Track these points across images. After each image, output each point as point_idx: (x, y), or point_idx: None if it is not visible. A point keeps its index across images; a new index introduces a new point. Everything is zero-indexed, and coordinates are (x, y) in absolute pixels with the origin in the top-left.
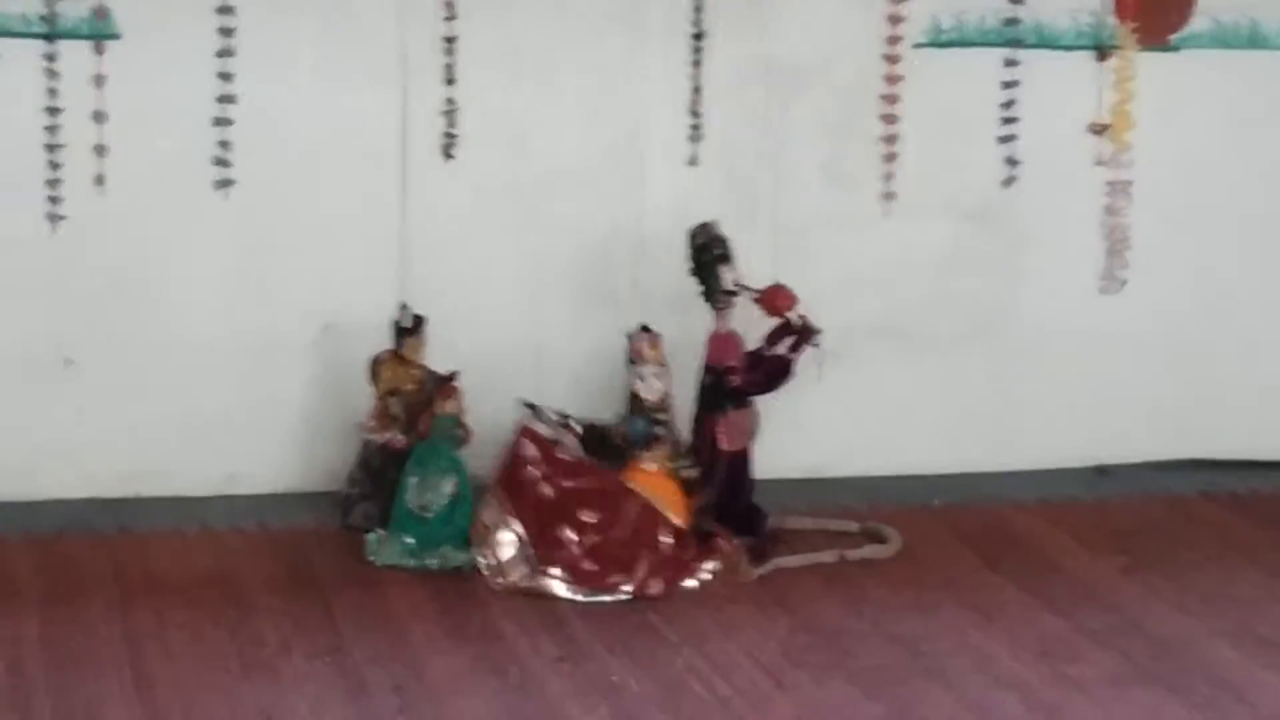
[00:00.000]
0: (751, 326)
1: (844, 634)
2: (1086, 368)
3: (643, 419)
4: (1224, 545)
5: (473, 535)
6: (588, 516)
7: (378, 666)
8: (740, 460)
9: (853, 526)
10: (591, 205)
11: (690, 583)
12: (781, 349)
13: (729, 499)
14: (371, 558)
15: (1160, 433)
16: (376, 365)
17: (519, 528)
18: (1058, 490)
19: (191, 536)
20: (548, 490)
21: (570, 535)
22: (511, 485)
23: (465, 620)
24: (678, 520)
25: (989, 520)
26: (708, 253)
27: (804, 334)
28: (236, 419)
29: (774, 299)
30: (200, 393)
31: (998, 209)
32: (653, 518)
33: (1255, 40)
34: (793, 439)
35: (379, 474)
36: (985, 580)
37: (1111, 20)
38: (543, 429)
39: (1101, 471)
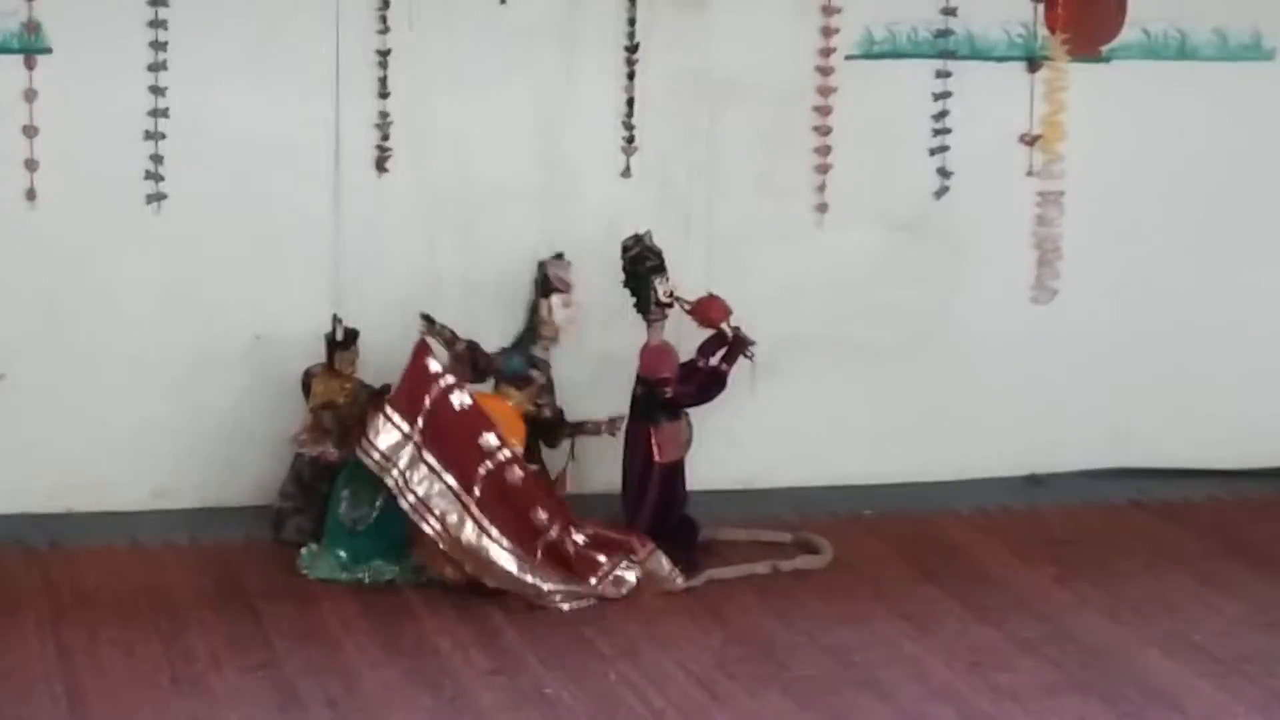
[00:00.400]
0: (685, 338)
1: (777, 645)
2: (1019, 377)
3: (520, 357)
4: (1156, 553)
5: (364, 450)
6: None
7: (310, 680)
8: (673, 472)
9: (786, 537)
10: (524, 217)
11: (598, 583)
12: (715, 360)
13: (662, 511)
14: (304, 571)
15: (1092, 441)
16: (309, 378)
17: (418, 439)
18: (990, 499)
19: (123, 551)
20: (452, 404)
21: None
22: (412, 402)
23: (398, 634)
24: (517, 448)
25: (922, 530)
26: (641, 264)
27: (737, 345)
28: (168, 433)
29: (707, 310)
30: (131, 406)
31: (930, 219)
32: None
33: (1184, 51)
34: (726, 450)
35: (311, 488)
36: (918, 590)
37: (1043, 32)
38: (434, 343)
39: (1034, 480)
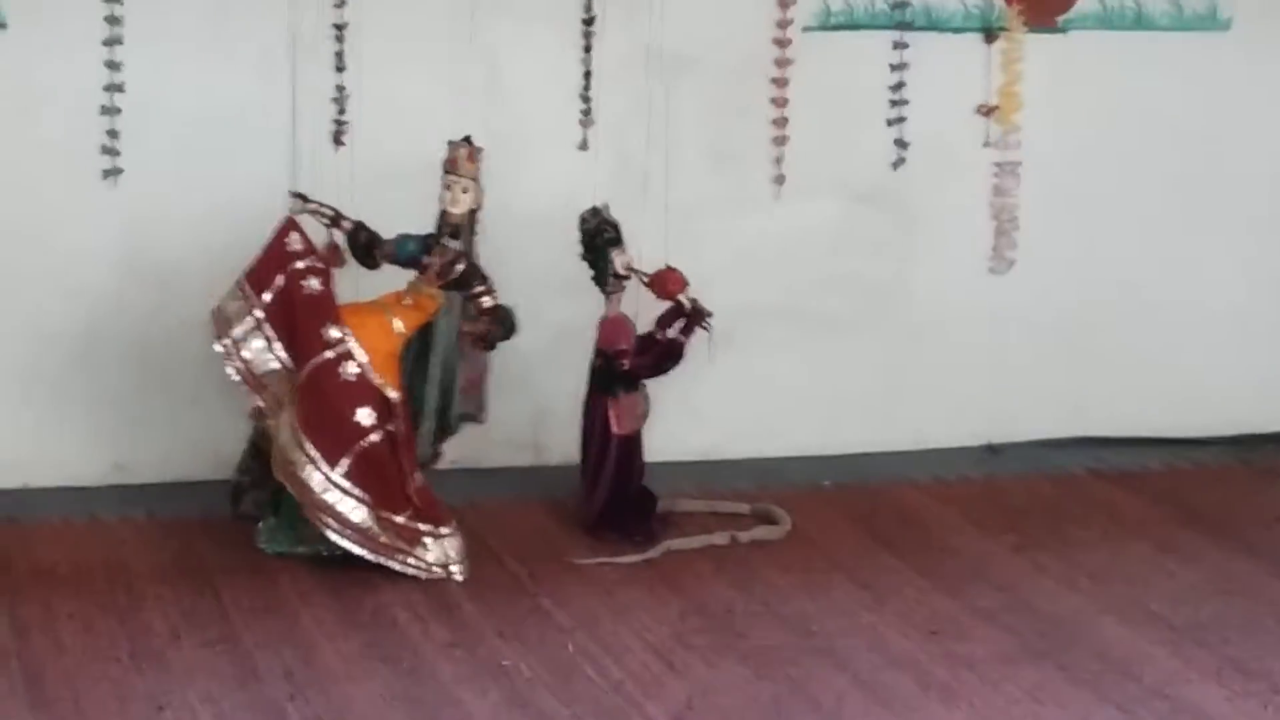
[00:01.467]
0: (642, 310)
1: (736, 615)
2: (976, 347)
3: (415, 240)
4: (1113, 522)
5: (214, 318)
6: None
7: (268, 653)
8: (631, 444)
9: (743, 508)
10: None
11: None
12: (672, 332)
13: (619, 483)
14: (261, 545)
15: (1050, 411)
16: None
17: (260, 313)
18: (948, 469)
19: (80, 526)
20: (315, 284)
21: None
22: (263, 277)
23: (356, 606)
24: (391, 393)
25: (880, 500)
26: (598, 236)
27: (695, 317)
28: (124, 407)
29: (664, 282)
30: (88, 380)
31: (887, 190)
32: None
33: (1141, 22)
34: (684, 422)
35: (268, 461)
36: (876, 560)
37: (999, 2)
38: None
39: (992, 450)
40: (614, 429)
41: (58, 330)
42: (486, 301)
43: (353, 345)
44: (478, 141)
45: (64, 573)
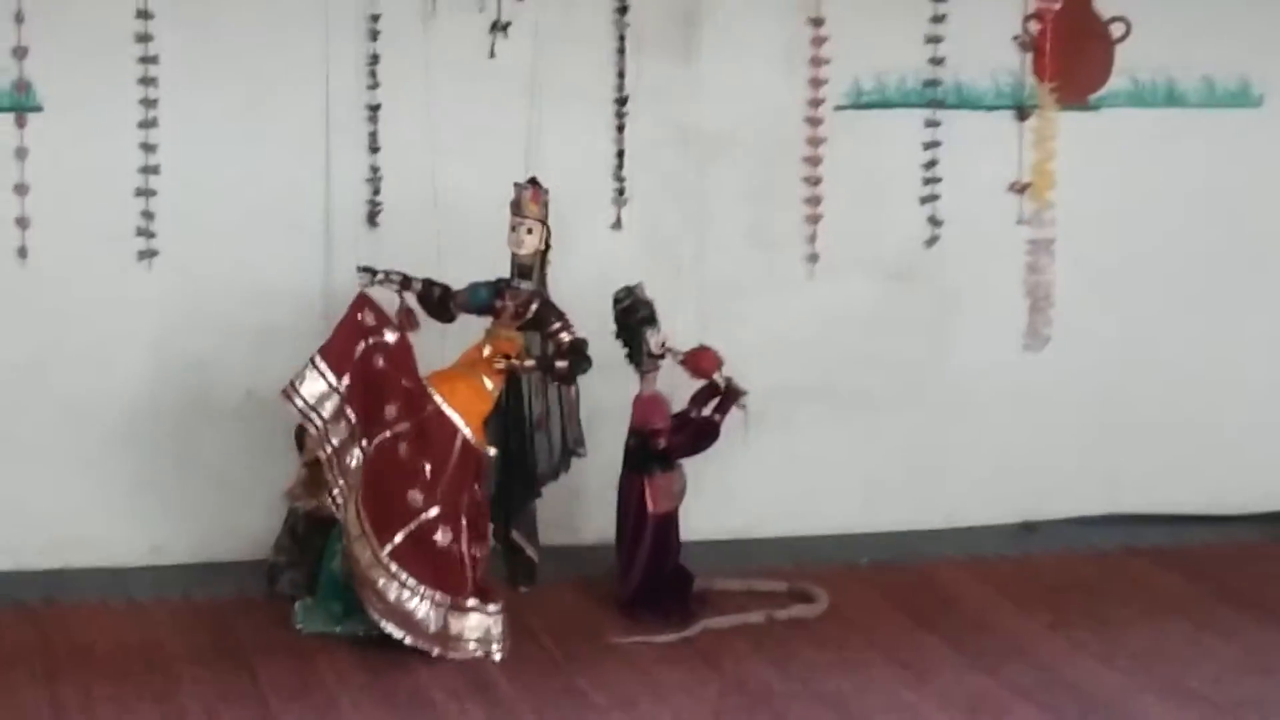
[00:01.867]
0: (677, 389)
1: (774, 694)
2: (1011, 425)
3: (487, 286)
4: (1150, 600)
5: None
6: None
7: None
8: (667, 522)
9: (780, 587)
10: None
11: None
12: (707, 411)
13: (656, 562)
14: (298, 626)
15: (1085, 488)
16: (302, 433)
17: (334, 379)
18: (984, 547)
19: (117, 608)
20: (379, 362)
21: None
22: (341, 356)
23: (394, 687)
24: (470, 433)
25: (916, 578)
26: (632, 315)
27: (730, 395)
28: (160, 488)
29: (699, 361)
30: (125, 462)
31: (921, 268)
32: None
33: (1172, 99)
34: (720, 500)
35: (305, 541)
36: (913, 638)
37: (1031, 80)
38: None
39: (1028, 528)
40: (650, 508)
41: (94, 412)
42: (564, 337)
43: (448, 411)
44: (534, 181)
45: (101, 654)
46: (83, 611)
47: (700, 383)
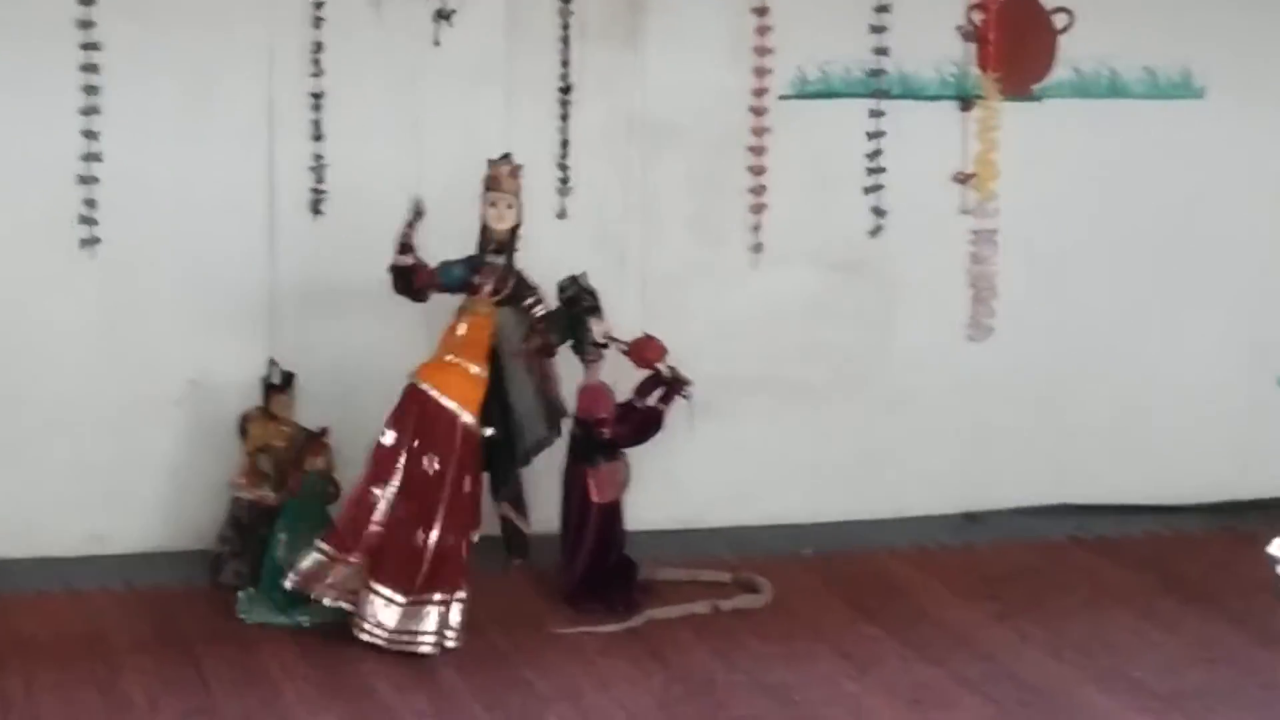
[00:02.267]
0: (621, 378)
1: (718, 685)
2: (955, 415)
3: (460, 264)
4: (1094, 590)
5: None
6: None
7: None
8: (612, 512)
9: (725, 577)
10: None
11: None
12: (652, 400)
13: (600, 552)
14: (242, 615)
15: (1029, 478)
16: (246, 422)
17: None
18: (928, 537)
19: (58, 597)
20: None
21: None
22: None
23: (337, 677)
24: (469, 418)
25: (861, 569)
26: (577, 305)
27: (674, 385)
28: (102, 478)
29: (644, 351)
30: (65, 451)
31: (866, 258)
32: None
33: (1115, 89)
34: (664, 490)
35: (249, 531)
36: (858, 629)
37: (975, 71)
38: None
39: (971, 518)
40: (594, 497)
41: (35, 399)
42: (540, 310)
43: (446, 403)
44: (508, 158)
45: (43, 644)
46: (24, 601)
47: (645, 372)
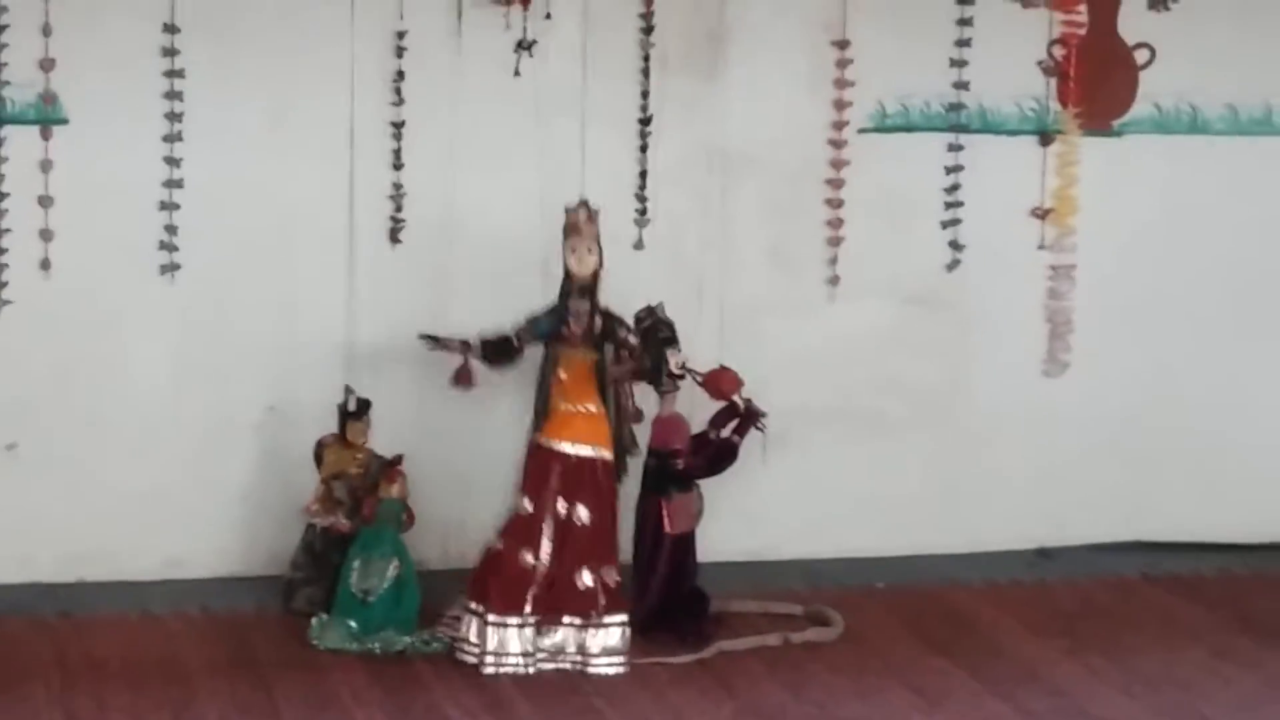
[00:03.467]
0: (697, 410)
1: (788, 717)
2: (1029, 450)
3: (547, 315)
4: (1166, 627)
5: None
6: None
7: None
8: (684, 543)
9: (796, 609)
10: (538, 289)
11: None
12: (726, 432)
13: (672, 583)
14: (314, 642)
15: (1102, 515)
16: (321, 449)
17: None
18: (1000, 572)
19: (134, 621)
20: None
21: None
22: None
23: (408, 705)
24: (608, 454)
25: (932, 602)
26: (653, 336)
27: (749, 417)
28: (179, 503)
29: (719, 382)
30: (143, 476)
31: (942, 292)
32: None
33: (1195, 126)
34: (737, 522)
35: (322, 558)
36: (928, 663)
37: (1055, 105)
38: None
39: (1043, 554)
40: (667, 528)
41: (114, 425)
42: (634, 340)
43: (583, 451)
44: (586, 204)
45: (117, 667)
46: (99, 625)
47: (720, 404)
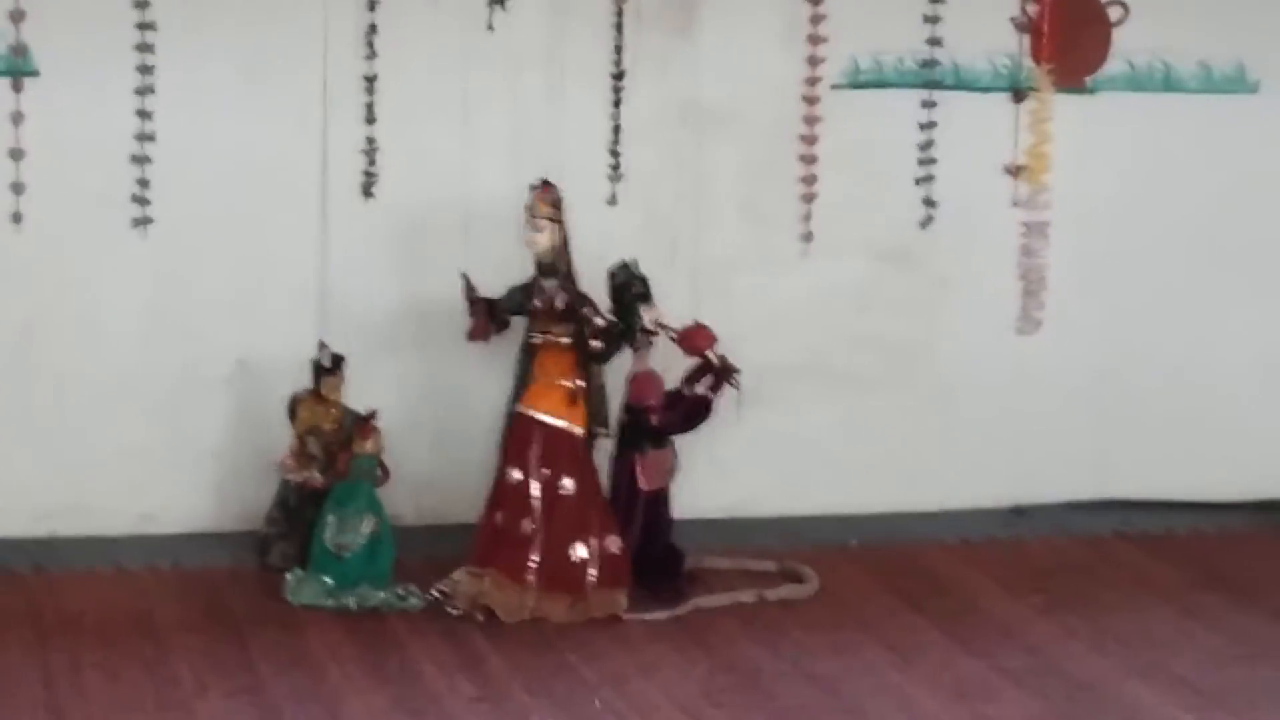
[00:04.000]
0: (671, 366)
1: (763, 674)
2: (1003, 408)
3: (520, 290)
4: (1140, 585)
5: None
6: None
7: (295, 706)
8: (659, 500)
9: (771, 566)
10: (511, 243)
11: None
12: (700, 388)
13: (647, 539)
14: (289, 597)
15: (1076, 473)
16: (295, 404)
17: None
18: (975, 530)
19: (107, 576)
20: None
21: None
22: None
23: (383, 660)
24: (579, 430)
25: (907, 560)
26: (627, 292)
27: (723, 373)
28: (152, 458)
29: (693, 338)
30: (115, 431)
31: (915, 249)
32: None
33: (1169, 83)
34: (711, 478)
35: (296, 513)
36: (904, 620)
37: (1028, 62)
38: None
39: (1018, 512)
40: (641, 485)
41: (86, 379)
42: (599, 321)
43: (557, 423)
44: (544, 182)
45: (91, 622)
46: (72, 580)
47: (694, 360)
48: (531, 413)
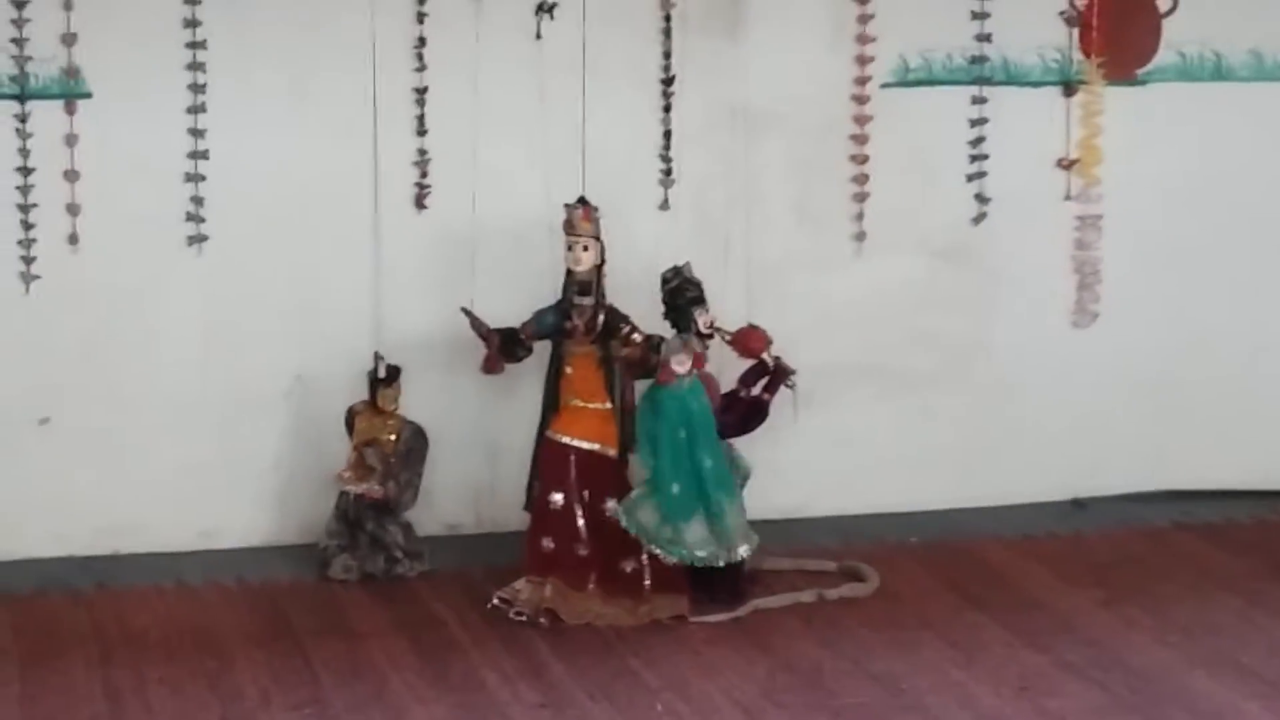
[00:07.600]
0: (726, 368)
1: (824, 673)
2: (1060, 401)
3: (551, 310)
4: (1201, 575)
5: None
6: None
7: (358, 717)
8: None
9: (831, 565)
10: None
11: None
12: (756, 390)
13: None
14: (622, 523)
15: (1135, 465)
16: (352, 416)
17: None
18: (1034, 525)
19: (169, 592)
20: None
21: None
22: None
23: (445, 669)
24: (612, 452)
25: (966, 556)
26: (681, 295)
27: (778, 375)
28: (212, 473)
29: (747, 340)
30: (175, 448)
31: (969, 246)
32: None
33: (1220, 73)
34: (769, 480)
35: (356, 525)
36: (964, 616)
37: (1078, 56)
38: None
39: (1077, 505)
40: None
41: (144, 397)
42: (638, 336)
43: (589, 446)
44: (583, 201)
45: (154, 638)
46: (135, 596)
47: (749, 362)
48: (565, 439)
